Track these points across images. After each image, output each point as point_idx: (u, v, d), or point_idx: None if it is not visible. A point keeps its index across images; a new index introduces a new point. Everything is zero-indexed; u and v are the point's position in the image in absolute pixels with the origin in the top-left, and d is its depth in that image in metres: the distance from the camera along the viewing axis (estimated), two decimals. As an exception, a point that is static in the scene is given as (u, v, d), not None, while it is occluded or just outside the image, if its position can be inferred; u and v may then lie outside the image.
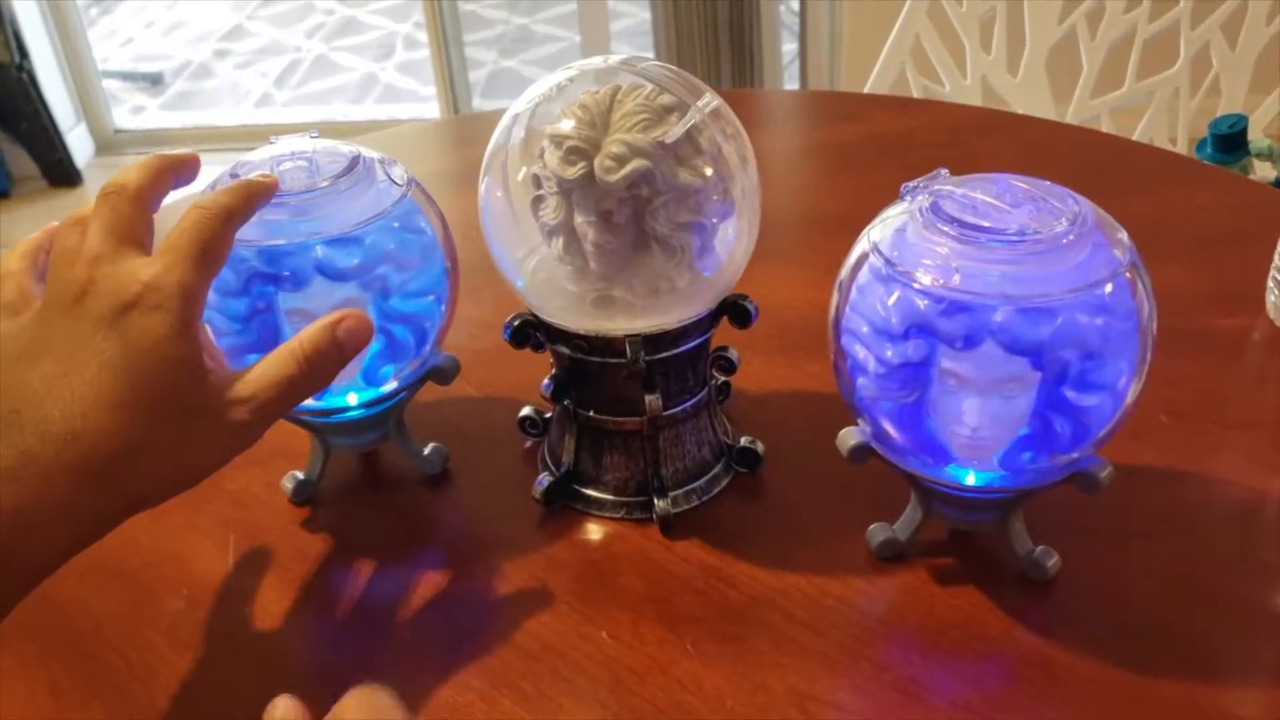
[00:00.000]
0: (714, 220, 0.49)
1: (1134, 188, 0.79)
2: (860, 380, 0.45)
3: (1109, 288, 0.41)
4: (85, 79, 2.86)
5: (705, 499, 0.54)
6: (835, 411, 0.49)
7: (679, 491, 0.53)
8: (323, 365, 0.42)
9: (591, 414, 0.52)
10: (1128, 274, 0.42)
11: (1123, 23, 1.20)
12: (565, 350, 0.51)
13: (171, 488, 0.41)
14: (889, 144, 0.90)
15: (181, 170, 0.46)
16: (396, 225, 0.50)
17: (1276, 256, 0.63)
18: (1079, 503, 0.47)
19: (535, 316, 0.52)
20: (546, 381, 0.53)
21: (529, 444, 0.58)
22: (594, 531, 0.53)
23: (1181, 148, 1.22)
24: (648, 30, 2.45)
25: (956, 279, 0.41)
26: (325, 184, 0.48)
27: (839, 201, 0.82)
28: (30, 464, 0.38)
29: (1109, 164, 0.85)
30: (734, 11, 2.22)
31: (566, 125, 0.46)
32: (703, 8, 2.22)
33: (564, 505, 0.54)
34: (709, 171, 0.47)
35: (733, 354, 0.53)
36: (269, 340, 0.49)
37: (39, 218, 2.56)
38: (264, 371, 0.42)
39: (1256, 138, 1.03)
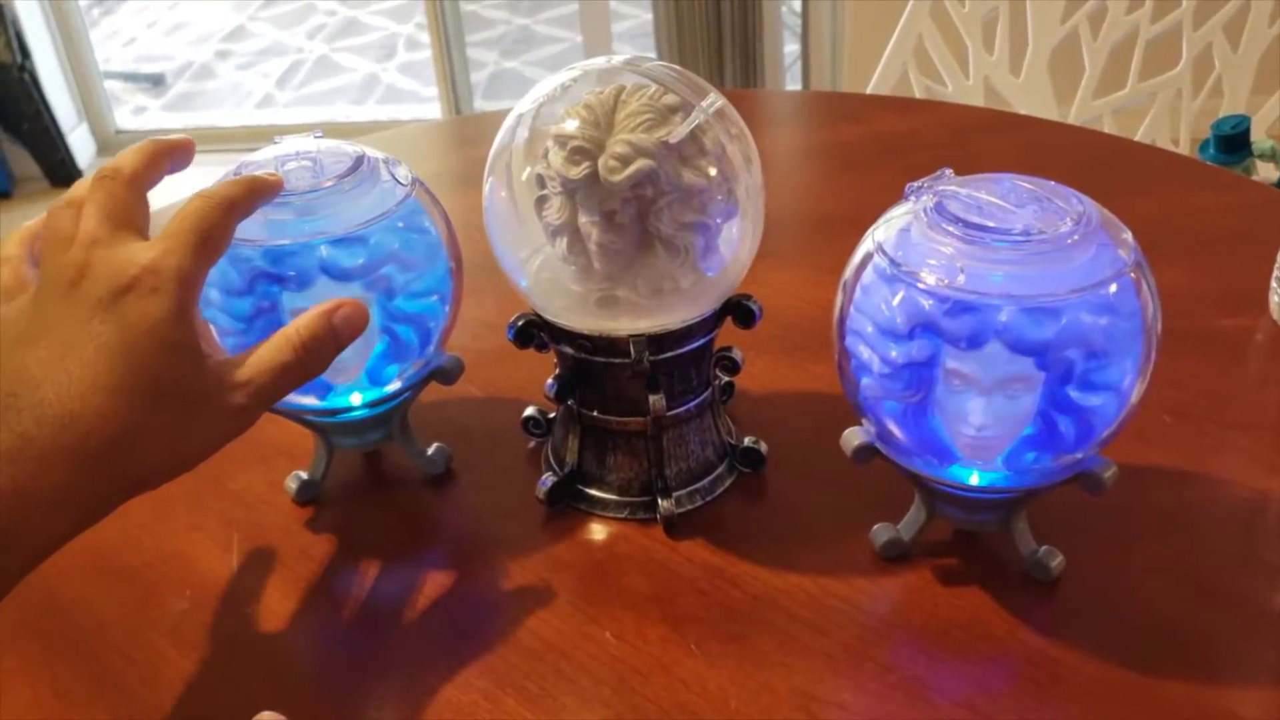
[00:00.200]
0: (718, 220, 0.49)
1: (1136, 188, 0.79)
2: (864, 380, 0.45)
3: (1114, 288, 0.41)
4: (87, 80, 2.87)
5: (709, 499, 0.54)
6: (839, 411, 0.49)
7: (683, 492, 0.53)
8: (319, 352, 0.42)
9: (595, 414, 0.53)
10: (1132, 274, 0.42)
11: (1125, 23, 1.20)
12: (569, 350, 0.51)
13: (168, 471, 0.41)
14: (892, 144, 0.90)
15: (176, 155, 0.46)
16: (401, 225, 0.50)
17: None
18: (1083, 503, 0.47)
19: (539, 316, 0.52)
20: (550, 381, 0.53)
21: (533, 444, 0.58)
22: (598, 531, 0.53)
23: (1184, 149, 1.22)
24: (649, 32, 2.45)
25: (961, 279, 0.41)
26: (330, 184, 0.48)
27: (842, 202, 0.82)
28: (27, 447, 0.38)
29: (1111, 165, 0.85)
30: (736, 13, 2.22)
31: (571, 125, 0.46)
32: (704, 9, 2.22)
33: (568, 505, 0.54)
34: (713, 171, 0.47)
35: (736, 354, 0.53)
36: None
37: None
38: (261, 357, 0.42)
39: (1259, 139, 1.03)
